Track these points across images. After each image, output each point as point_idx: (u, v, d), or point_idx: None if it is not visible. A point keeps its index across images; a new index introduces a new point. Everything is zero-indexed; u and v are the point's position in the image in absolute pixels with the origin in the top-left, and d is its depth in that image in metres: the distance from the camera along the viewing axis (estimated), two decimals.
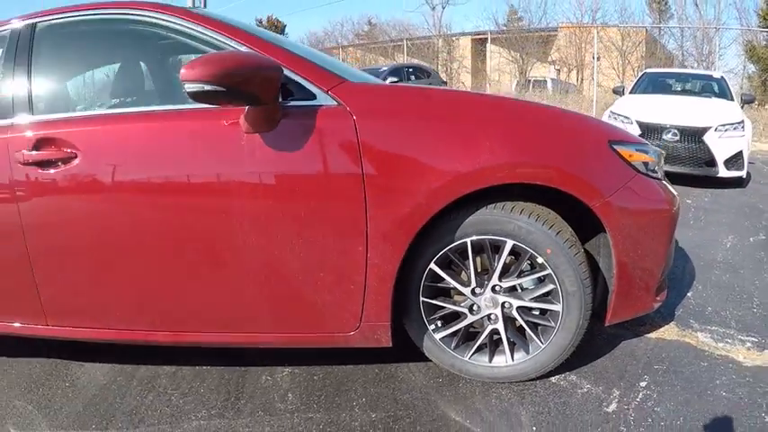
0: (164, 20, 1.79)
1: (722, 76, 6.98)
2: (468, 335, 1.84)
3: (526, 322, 1.77)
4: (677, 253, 3.12)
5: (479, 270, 1.75)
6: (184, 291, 1.74)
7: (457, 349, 1.82)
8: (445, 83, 15.86)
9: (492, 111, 1.74)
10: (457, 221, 1.66)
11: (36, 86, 1.82)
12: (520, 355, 1.80)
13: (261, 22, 28.31)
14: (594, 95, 13.56)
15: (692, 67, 15.77)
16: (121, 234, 1.71)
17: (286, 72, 1.60)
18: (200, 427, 1.67)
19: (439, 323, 1.81)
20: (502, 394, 1.79)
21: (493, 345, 1.82)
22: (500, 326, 1.77)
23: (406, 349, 1.88)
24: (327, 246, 1.62)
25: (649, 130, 5.45)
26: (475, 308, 1.78)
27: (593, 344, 2.04)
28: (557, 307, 1.72)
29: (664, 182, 1.88)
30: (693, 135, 5.30)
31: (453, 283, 1.75)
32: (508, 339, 1.79)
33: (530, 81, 17.85)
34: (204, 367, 2.00)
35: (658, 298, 1.89)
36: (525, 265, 1.72)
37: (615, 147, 1.73)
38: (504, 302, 1.76)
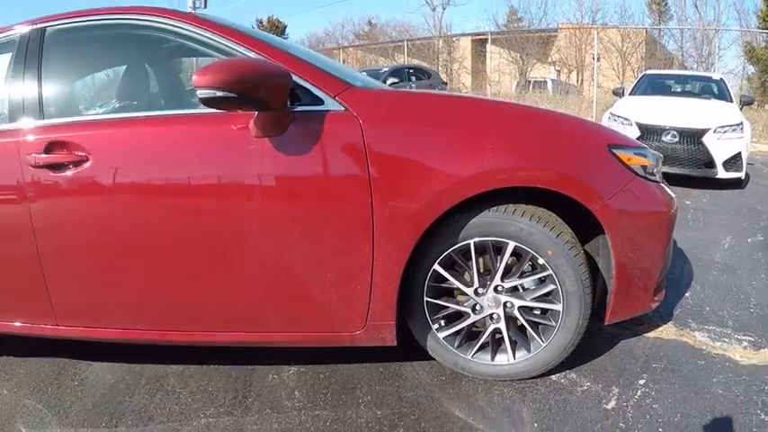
0: (173, 25, 1.81)
1: (721, 78, 7.00)
2: (471, 334, 1.87)
3: (527, 321, 1.80)
4: (676, 254, 3.14)
5: (482, 271, 1.78)
6: (195, 291, 1.77)
7: (460, 348, 1.85)
8: (446, 83, 15.85)
9: (494, 116, 1.78)
10: (460, 223, 1.70)
11: (46, 90, 1.84)
12: (521, 354, 1.83)
13: (261, 22, 28.32)
14: (594, 96, 13.57)
15: (692, 68, 15.79)
16: (132, 235, 1.73)
17: (294, 78, 1.63)
18: (209, 425, 1.69)
19: (442, 322, 1.84)
20: (504, 392, 1.82)
21: (495, 343, 1.85)
22: (502, 325, 1.81)
23: (409, 348, 1.90)
24: (335, 247, 1.65)
25: (649, 132, 5.48)
26: (477, 307, 1.82)
27: (592, 343, 2.07)
28: (557, 307, 1.75)
29: (662, 184, 1.91)
30: (692, 137, 5.32)
31: (456, 284, 1.79)
32: (510, 338, 1.82)
33: (530, 82, 17.83)
34: (212, 366, 2.02)
35: (656, 298, 1.92)
36: (527, 266, 1.76)
37: (614, 151, 1.76)
38: (506, 302, 1.79)
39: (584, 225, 1.78)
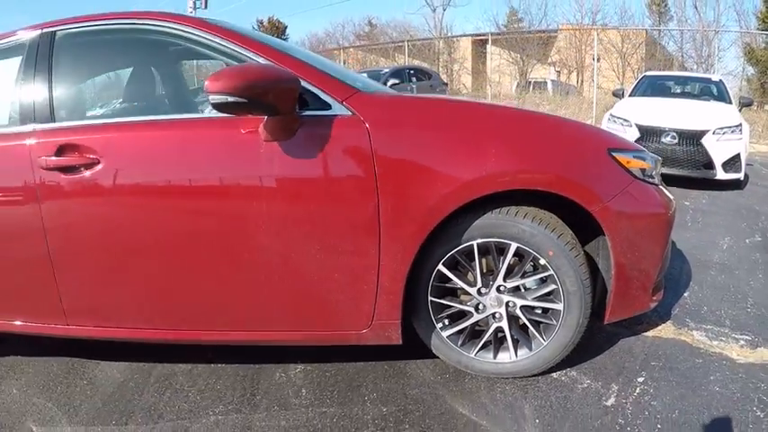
0: (182, 30, 1.83)
1: (721, 79, 7.02)
2: (474, 333, 1.90)
3: (529, 320, 1.84)
4: (674, 254, 3.18)
5: (485, 271, 1.82)
6: (206, 291, 1.79)
7: (463, 346, 1.89)
8: (446, 84, 15.86)
9: (496, 120, 1.81)
10: (464, 225, 1.73)
11: (57, 93, 1.85)
12: (523, 352, 1.87)
13: (262, 23, 28.33)
14: (594, 97, 13.58)
15: (692, 69, 15.81)
16: (142, 236, 1.76)
17: (302, 83, 1.66)
18: (218, 422, 1.72)
19: (446, 321, 1.88)
20: (506, 389, 1.85)
21: (497, 342, 1.89)
22: (504, 324, 1.84)
23: (413, 347, 1.93)
24: (343, 248, 1.68)
25: (648, 133, 5.51)
26: (480, 307, 1.86)
27: (592, 341, 2.10)
28: (558, 306, 1.79)
29: (660, 187, 1.95)
30: (692, 138, 5.35)
31: (460, 284, 1.82)
32: (512, 337, 1.86)
33: (530, 82, 17.83)
34: (219, 365, 2.05)
35: (655, 298, 1.96)
36: (528, 267, 1.80)
37: (613, 154, 1.80)
38: (508, 302, 1.83)
39: (584, 226, 1.81)
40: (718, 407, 1.73)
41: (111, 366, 2.08)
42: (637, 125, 5.60)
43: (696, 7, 18.69)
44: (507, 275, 1.81)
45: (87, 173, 1.72)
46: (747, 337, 2.21)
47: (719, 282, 2.84)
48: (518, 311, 1.84)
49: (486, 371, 1.90)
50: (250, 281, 1.75)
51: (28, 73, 1.87)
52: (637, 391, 1.83)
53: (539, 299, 1.82)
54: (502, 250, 1.78)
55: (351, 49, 23.99)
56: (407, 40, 19.84)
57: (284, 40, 26.55)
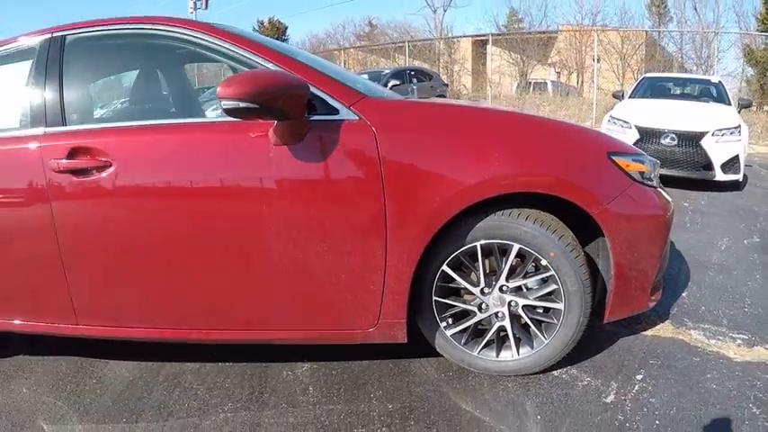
0: (191, 35, 1.86)
1: (720, 81, 7.05)
2: (477, 331, 1.94)
3: (531, 320, 1.88)
4: (673, 255, 3.22)
5: (488, 271, 1.86)
6: (216, 292, 1.82)
7: (466, 345, 1.93)
8: (447, 85, 15.87)
9: (499, 125, 1.86)
10: (468, 227, 1.77)
11: (68, 97, 1.87)
12: (525, 350, 1.91)
13: (262, 23, 28.37)
14: (594, 98, 13.61)
15: (692, 70, 15.83)
16: (155, 238, 1.79)
17: (311, 88, 1.69)
18: (228, 419, 1.74)
19: (450, 321, 1.92)
20: (508, 386, 1.89)
21: (500, 341, 1.93)
22: (507, 323, 1.89)
23: (417, 345, 1.96)
24: (350, 249, 1.72)
25: (648, 135, 5.54)
26: (483, 306, 1.90)
27: (592, 340, 2.13)
28: (559, 305, 1.83)
29: (659, 189, 1.99)
30: (691, 139, 5.38)
31: (464, 284, 1.86)
32: (514, 335, 1.90)
33: (530, 83, 17.84)
34: (227, 364, 2.07)
35: (653, 297, 2.00)
36: (530, 267, 1.84)
37: (613, 157, 1.84)
38: (510, 301, 1.87)
39: (584, 228, 1.85)
40: (714, 404, 1.77)
41: (120, 365, 2.10)
42: (636, 127, 5.63)
43: (696, 8, 18.72)
44: (510, 276, 1.85)
45: (99, 175, 1.75)
46: (744, 337, 2.24)
47: (717, 282, 2.87)
48: (520, 311, 1.88)
49: (489, 369, 1.94)
50: (260, 281, 1.79)
51: (38, 77, 1.89)
52: (636, 389, 1.87)
53: (540, 298, 1.86)
54: (504, 251, 1.82)
55: (351, 50, 23.97)
56: (408, 41, 19.84)
57: (285, 40, 26.61)
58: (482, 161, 1.70)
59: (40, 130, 1.83)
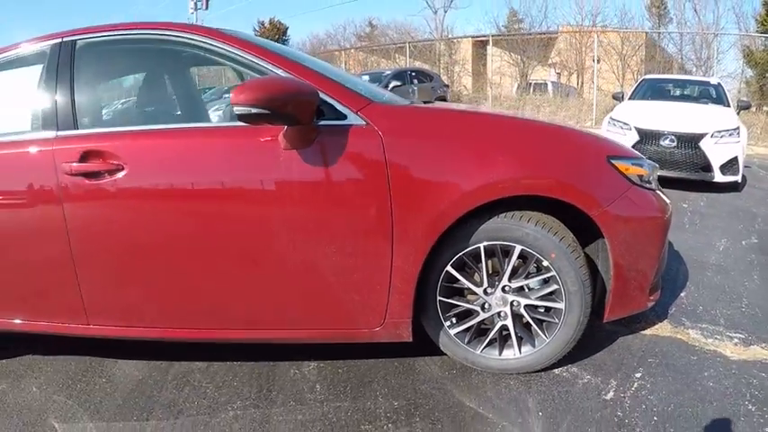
0: (199, 40, 1.89)
1: (719, 83, 7.08)
2: (480, 330, 1.98)
3: (532, 319, 1.92)
4: (672, 255, 3.24)
5: (491, 272, 1.90)
6: (226, 292, 1.86)
7: (470, 344, 1.97)
8: (447, 86, 15.88)
9: (502, 130, 1.91)
10: (471, 229, 1.82)
11: (79, 101, 1.88)
12: (527, 349, 1.95)
13: (263, 24, 28.38)
14: (594, 99, 13.65)
15: (691, 72, 15.86)
16: (167, 240, 1.82)
17: (320, 94, 1.73)
18: (237, 417, 1.78)
19: (453, 320, 1.96)
20: (510, 384, 1.93)
21: (502, 339, 1.97)
22: (509, 322, 1.93)
23: (422, 344, 2.00)
24: (358, 251, 1.76)
25: (647, 136, 5.57)
26: (486, 306, 1.94)
27: (592, 339, 2.17)
28: (560, 305, 1.88)
29: (657, 191, 2.03)
30: (690, 141, 5.40)
31: (467, 284, 1.91)
32: (516, 334, 1.94)
33: (530, 84, 17.86)
34: (235, 363, 2.10)
35: (652, 297, 2.04)
36: (532, 268, 1.88)
37: (613, 161, 1.88)
38: (512, 301, 1.92)
39: (584, 229, 1.89)
40: (711, 401, 1.81)
41: (129, 364, 2.12)
42: (636, 128, 5.66)
43: (695, 10, 18.71)
44: (512, 276, 1.90)
45: (111, 178, 1.77)
46: (741, 336, 2.28)
47: (715, 282, 2.91)
48: (522, 310, 1.92)
49: (492, 367, 1.98)
50: (269, 281, 1.82)
51: (50, 81, 1.91)
52: (634, 386, 1.91)
53: (542, 298, 1.91)
54: (507, 252, 1.86)
55: (352, 51, 23.98)
56: (408, 42, 19.87)
57: (285, 41, 26.59)
58: (486, 165, 1.75)
59: (51, 134, 1.85)
